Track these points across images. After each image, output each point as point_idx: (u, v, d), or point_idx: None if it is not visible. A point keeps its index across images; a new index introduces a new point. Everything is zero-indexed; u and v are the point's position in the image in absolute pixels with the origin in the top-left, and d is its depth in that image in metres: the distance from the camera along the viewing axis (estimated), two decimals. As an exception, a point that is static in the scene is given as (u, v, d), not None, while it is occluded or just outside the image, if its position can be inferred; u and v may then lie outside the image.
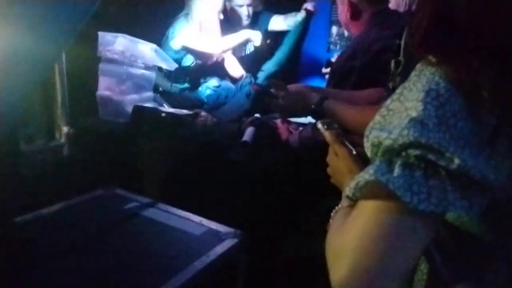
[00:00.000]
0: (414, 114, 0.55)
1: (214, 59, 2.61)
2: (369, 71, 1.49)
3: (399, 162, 0.56)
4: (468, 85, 0.55)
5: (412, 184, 0.54)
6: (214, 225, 1.50)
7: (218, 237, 1.44)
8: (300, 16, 2.81)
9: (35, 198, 1.47)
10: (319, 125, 0.95)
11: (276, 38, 2.96)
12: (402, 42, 1.02)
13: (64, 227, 1.42)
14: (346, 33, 3.31)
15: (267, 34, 2.87)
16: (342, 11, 1.64)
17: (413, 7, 1.79)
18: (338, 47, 3.28)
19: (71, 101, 1.78)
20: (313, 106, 1.30)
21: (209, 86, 2.50)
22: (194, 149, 1.90)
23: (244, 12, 2.65)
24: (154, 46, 2.16)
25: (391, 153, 0.57)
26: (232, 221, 1.50)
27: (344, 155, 0.87)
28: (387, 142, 0.57)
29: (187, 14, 2.49)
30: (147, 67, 2.17)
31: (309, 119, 1.89)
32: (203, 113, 2.15)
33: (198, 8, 2.46)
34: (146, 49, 2.14)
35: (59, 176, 1.61)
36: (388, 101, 0.62)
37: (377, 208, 0.56)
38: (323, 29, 3.14)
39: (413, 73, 0.61)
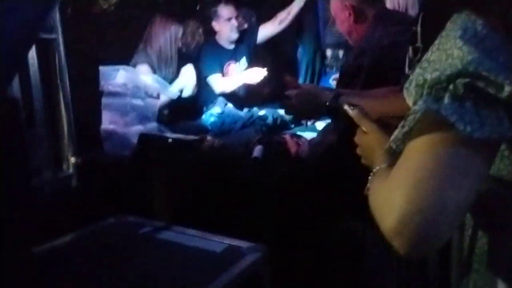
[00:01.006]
0: (456, 51, 0.54)
1: None
2: (379, 68, 1.48)
3: (447, 95, 0.53)
4: (503, 27, 0.55)
5: (463, 114, 0.52)
6: (234, 241, 1.43)
7: (240, 253, 1.37)
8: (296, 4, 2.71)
9: (46, 230, 1.41)
10: (345, 106, 0.95)
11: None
12: (419, 28, 1.02)
13: (80, 255, 1.36)
14: (341, 55, 3.38)
15: (256, 50, 2.87)
16: (344, 19, 1.64)
17: (410, 10, 1.83)
18: (334, 69, 3.34)
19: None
20: (327, 103, 1.27)
21: (213, 113, 2.49)
22: (204, 171, 1.86)
23: (234, 24, 2.68)
24: (155, 76, 2.18)
25: (438, 88, 0.55)
26: (251, 239, 1.44)
27: (373, 129, 0.85)
28: (434, 75, 0.55)
29: (145, 42, 2.50)
30: (150, 98, 2.18)
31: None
32: (209, 137, 2.14)
33: (156, 39, 2.48)
34: (148, 79, 2.15)
35: (68, 207, 1.56)
36: (428, 54, 0.60)
37: (428, 141, 0.54)
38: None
39: (447, 24, 0.61)
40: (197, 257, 1.36)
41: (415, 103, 0.59)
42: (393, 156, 0.63)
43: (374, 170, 0.73)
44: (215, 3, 2.74)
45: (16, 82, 1.49)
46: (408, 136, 0.57)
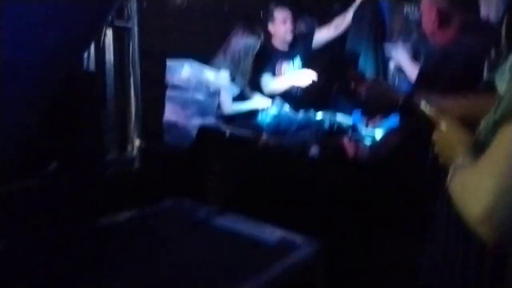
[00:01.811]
0: None
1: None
2: (461, 76, 1.41)
3: None
4: None
5: None
6: (288, 234, 1.42)
7: (294, 245, 1.36)
8: (352, 9, 2.68)
9: (107, 206, 1.48)
10: (423, 103, 0.93)
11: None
12: (503, 29, 0.97)
13: (137, 233, 1.41)
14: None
15: (313, 56, 2.86)
16: (429, 20, 1.59)
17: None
18: (396, 81, 3.25)
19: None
20: (401, 100, 1.22)
21: (269, 113, 2.51)
22: (260, 167, 1.87)
23: (289, 26, 2.69)
24: (220, 73, 2.24)
25: None
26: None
27: (453, 125, 0.84)
28: None
29: (225, 47, 2.59)
30: (211, 93, 2.24)
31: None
32: (264, 136, 2.16)
33: (236, 45, 2.57)
34: (211, 76, 2.22)
35: (129, 187, 1.63)
36: None
37: None
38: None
39: None
40: (250, 245, 1.35)
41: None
42: (479, 148, 0.61)
43: (457, 161, 0.71)
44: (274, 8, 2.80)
45: (92, 65, 1.59)
46: (501, 122, 0.56)
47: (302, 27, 2.98)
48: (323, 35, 2.84)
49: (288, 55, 2.83)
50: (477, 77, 1.31)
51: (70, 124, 1.46)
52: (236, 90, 2.50)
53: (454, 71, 1.47)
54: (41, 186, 1.40)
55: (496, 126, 0.57)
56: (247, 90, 2.64)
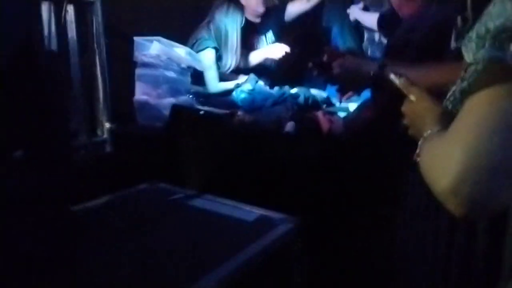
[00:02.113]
0: None
1: None
2: (428, 45, 1.41)
3: None
4: None
5: None
6: (266, 212, 1.42)
7: (272, 223, 1.36)
8: None
9: (79, 192, 1.43)
10: (392, 75, 0.91)
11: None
12: None
13: (112, 219, 1.38)
14: (376, 38, 3.28)
15: (285, 29, 2.80)
16: None
17: None
18: (369, 52, 3.24)
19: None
20: (372, 73, 1.21)
21: (244, 90, 2.47)
22: (235, 145, 1.85)
23: None
24: (188, 49, 2.17)
25: (502, 37, 0.51)
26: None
27: (422, 96, 0.82)
28: (498, 23, 0.51)
29: (209, 22, 2.51)
30: (182, 71, 2.17)
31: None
32: (239, 113, 2.13)
33: (221, 20, 2.48)
34: (181, 52, 2.15)
35: (102, 171, 1.58)
36: (489, 7, 0.56)
37: (491, 94, 0.50)
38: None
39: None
40: (228, 225, 1.35)
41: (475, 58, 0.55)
42: (447, 118, 0.60)
43: (425, 134, 0.69)
44: None
45: (53, 44, 1.51)
46: (468, 92, 0.54)
47: (274, -1, 2.91)
48: (296, 7, 2.78)
49: (261, 28, 2.77)
50: (445, 46, 1.31)
51: (34, 108, 1.39)
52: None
53: (421, 41, 1.47)
54: (7, 175, 1.34)
55: (463, 95, 0.56)
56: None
